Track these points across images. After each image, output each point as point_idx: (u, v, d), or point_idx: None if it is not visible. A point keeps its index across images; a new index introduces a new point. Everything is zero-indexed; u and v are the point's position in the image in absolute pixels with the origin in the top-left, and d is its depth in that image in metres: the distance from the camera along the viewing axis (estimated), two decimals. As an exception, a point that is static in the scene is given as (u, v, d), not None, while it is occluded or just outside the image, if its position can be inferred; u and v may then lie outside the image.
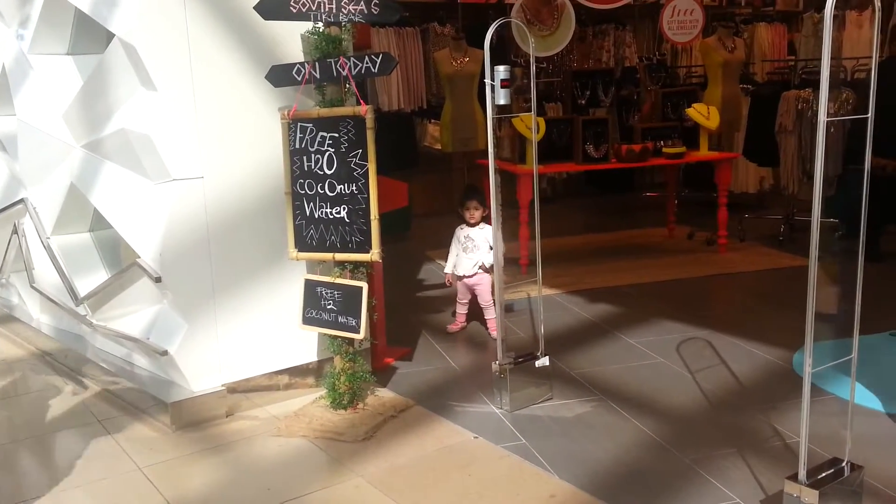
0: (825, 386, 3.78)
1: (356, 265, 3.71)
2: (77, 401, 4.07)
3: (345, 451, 3.46)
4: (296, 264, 3.86)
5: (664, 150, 6.53)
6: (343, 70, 3.57)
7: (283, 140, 3.71)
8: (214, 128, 3.68)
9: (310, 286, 3.77)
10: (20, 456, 3.57)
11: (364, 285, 3.63)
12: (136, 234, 3.83)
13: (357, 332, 3.64)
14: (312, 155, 3.65)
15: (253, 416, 3.84)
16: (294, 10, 3.55)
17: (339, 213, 3.64)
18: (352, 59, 3.57)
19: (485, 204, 4.87)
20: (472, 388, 4.09)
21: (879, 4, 2.59)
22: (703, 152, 6.71)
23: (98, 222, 4.53)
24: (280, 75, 3.65)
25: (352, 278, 3.69)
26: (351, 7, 3.59)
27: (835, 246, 5.81)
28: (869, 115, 2.61)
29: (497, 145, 3.81)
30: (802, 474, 2.58)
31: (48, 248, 4.48)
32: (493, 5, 8.86)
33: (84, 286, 4.31)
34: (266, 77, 3.65)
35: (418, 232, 7.76)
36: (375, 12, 3.61)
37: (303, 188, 3.71)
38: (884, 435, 3.43)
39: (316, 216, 3.70)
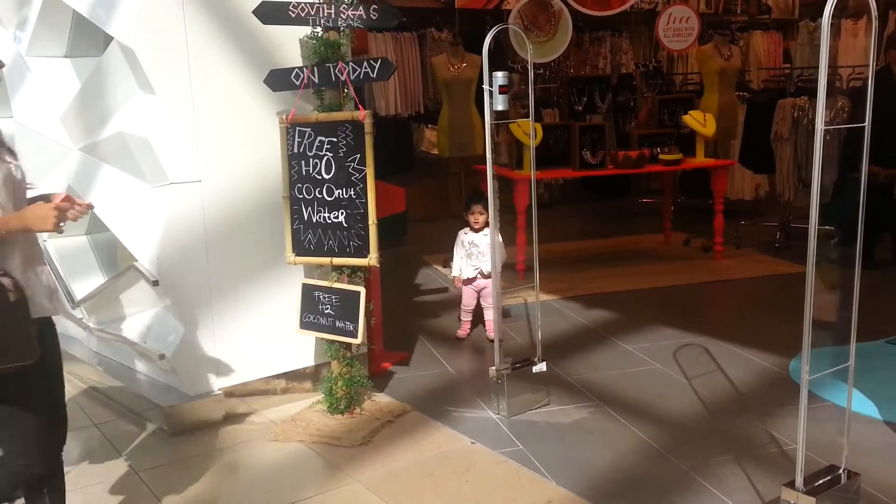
0: (822, 393, 3.79)
1: (354, 270, 3.70)
2: (73, 404, 4.05)
3: (342, 456, 3.45)
4: (293, 268, 3.86)
5: (661, 156, 6.55)
6: (342, 75, 3.57)
7: (281, 144, 3.71)
8: (212, 131, 3.68)
9: (307, 290, 3.77)
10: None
11: (362, 290, 3.63)
12: (133, 237, 3.83)
13: (354, 336, 3.63)
14: (311, 159, 3.65)
15: (250, 420, 3.83)
16: (293, 15, 3.55)
17: (337, 217, 3.64)
18: (350, 63, 3.58)
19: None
20: (469, 394, 4.09)
21: (876, 13, 2.61)
22: (700, 159, 6.72)
23: (95, 225, 4.52)
24: (279, 80, 3.65)
25: (349, 283, 3.69)
26: (350, 12, 3.59)
27: (831, 253, 5.83)
28: (866, 123, 2.62)
29: (494, 151, 3.81)
30: (799, 481, 2.59)
31: (45, 251, 4.47)
32: (490, 11, 8.88)
33: (81, 289, 4.30)
34: (264, 81, 3.65)
35: (415, 237, 7.76)
36: (374, 17, 3.62)
37: (301, 192, 3.70)
38: (880, 442, 3.44)
39: (314, 220, 3.70)
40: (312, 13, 3.56)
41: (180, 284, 3.71)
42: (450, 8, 8.64)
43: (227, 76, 3.68)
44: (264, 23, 3.59)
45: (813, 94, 6.49)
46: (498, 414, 3.80)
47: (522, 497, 3.08)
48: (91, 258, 4.56)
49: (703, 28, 8.91)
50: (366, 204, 3.55)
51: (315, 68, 3.60)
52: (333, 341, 3.75)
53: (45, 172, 4.41)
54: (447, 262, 5.43)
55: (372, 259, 3.60)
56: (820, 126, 2.41)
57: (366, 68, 3.55)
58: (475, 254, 4.84)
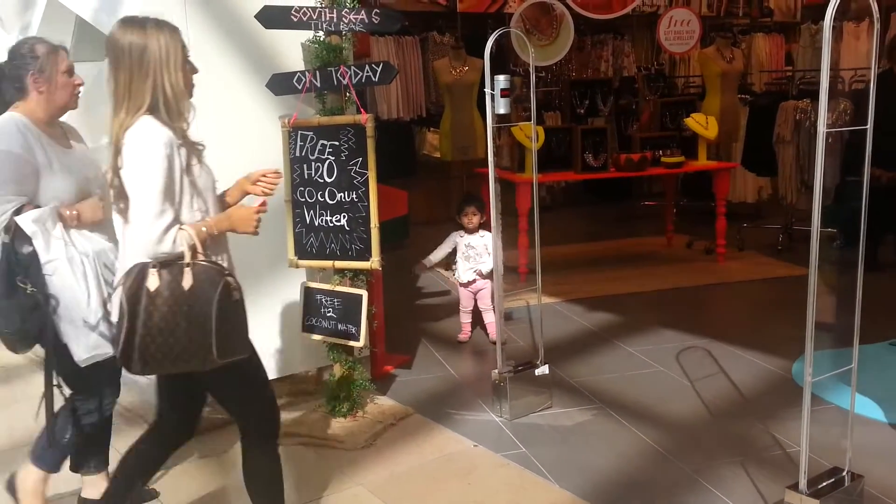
0: (825, 395, 3.78)
1: (356, 273, 3.71)
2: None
3: (344, 459, 3.45)
4: (295, 272, 3.86)
5: (663, 159, 6.55)
6: (343, 79, 3.58)
7: (283, 148, 3.71)
8: (214, 135, 3.67)
9: (310, 293, 3.77)
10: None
11: (364, 293, 3.63)
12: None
13: (357, 339, 3.63)
14: (313, 163, 3.66)
15: (252, 423, 3.82)
16: (295, 19, 3.56)
17: (339, 220, 3.64)
18: (352, 67, 3.59)
19: (483, 210, 4.89)
20: (471, 397, 4.08)
21: (878, 16, 2.61)
22: (702, 162, 6.72)
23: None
24: (281, 83, 3.66)
25: (351, 286, 3.69)
26: (352, 16, 3.60)
27: (833, 256, 5.82)
28: (868, 126, 2.62)
29: (496, 154, 3.82)
30: (803, 484, 2.58)
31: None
32: (492, 15, 8.89)
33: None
34: (267, 85, 3.66)
35: (417, 240, 7.74)
36: (376, 21, 3.63)
37: (303, 196, 3.71)
38: (884, 444, 3.43)
39: (316, 224, 3.70)
40: (315, 17, 3.57)
41: (183, 288, 3.70)
42: (452, 12, 8.67)
43: (229, 81, 3.69)
44: (267, 27, 3.60)
45: (815, 96, 6.48)
46: (500, 417, 3.80)
47: (525, 500, 3.08)
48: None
49: (705, 31, 8.91)
50: (368, 207, 3.56)
51: (317, 72, 3.61)
52: (336, 344, 3.75)
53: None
54: (450, 265, 5.44)
55: (374, 262, 3.60)
56: (822, 129, 2.41)
57: (368, 72, 3.55)
58: (472, 256, 4.85)
